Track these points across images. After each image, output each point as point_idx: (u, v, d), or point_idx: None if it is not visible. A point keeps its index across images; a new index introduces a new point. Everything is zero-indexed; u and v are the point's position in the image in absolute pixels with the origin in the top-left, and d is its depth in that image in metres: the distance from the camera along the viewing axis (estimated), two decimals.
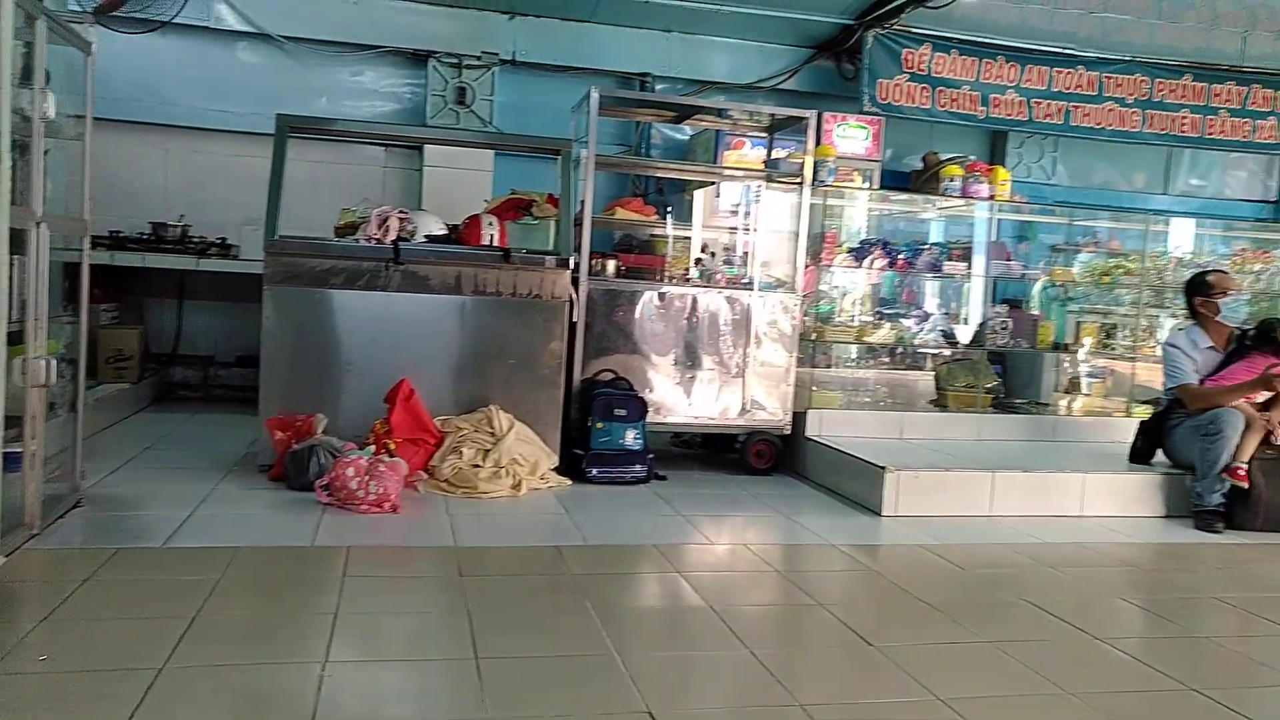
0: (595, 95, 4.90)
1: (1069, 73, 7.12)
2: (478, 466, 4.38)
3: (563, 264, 4.77)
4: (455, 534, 3.72)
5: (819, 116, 6.04)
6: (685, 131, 7.29)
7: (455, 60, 6.84)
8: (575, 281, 4.86)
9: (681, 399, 5.19)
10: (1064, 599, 3.44)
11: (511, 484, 4.37)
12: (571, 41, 7.02)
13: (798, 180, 5.30)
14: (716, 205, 6.36)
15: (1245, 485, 4.49)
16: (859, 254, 5.84)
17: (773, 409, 5.28)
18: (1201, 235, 7.03)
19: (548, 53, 7.00)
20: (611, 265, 5.16)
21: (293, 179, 4.90)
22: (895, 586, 3.49)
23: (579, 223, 4.94)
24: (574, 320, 4.88)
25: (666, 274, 5.44)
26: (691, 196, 6.41)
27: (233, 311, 6.70)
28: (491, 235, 4.84)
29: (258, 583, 3.08)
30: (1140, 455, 4.99)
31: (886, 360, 6.43)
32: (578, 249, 4.89)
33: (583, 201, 4.96)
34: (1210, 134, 7.35)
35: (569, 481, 4.65)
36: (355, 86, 6.93)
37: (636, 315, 5.09)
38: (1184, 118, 7.28)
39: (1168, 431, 4.87)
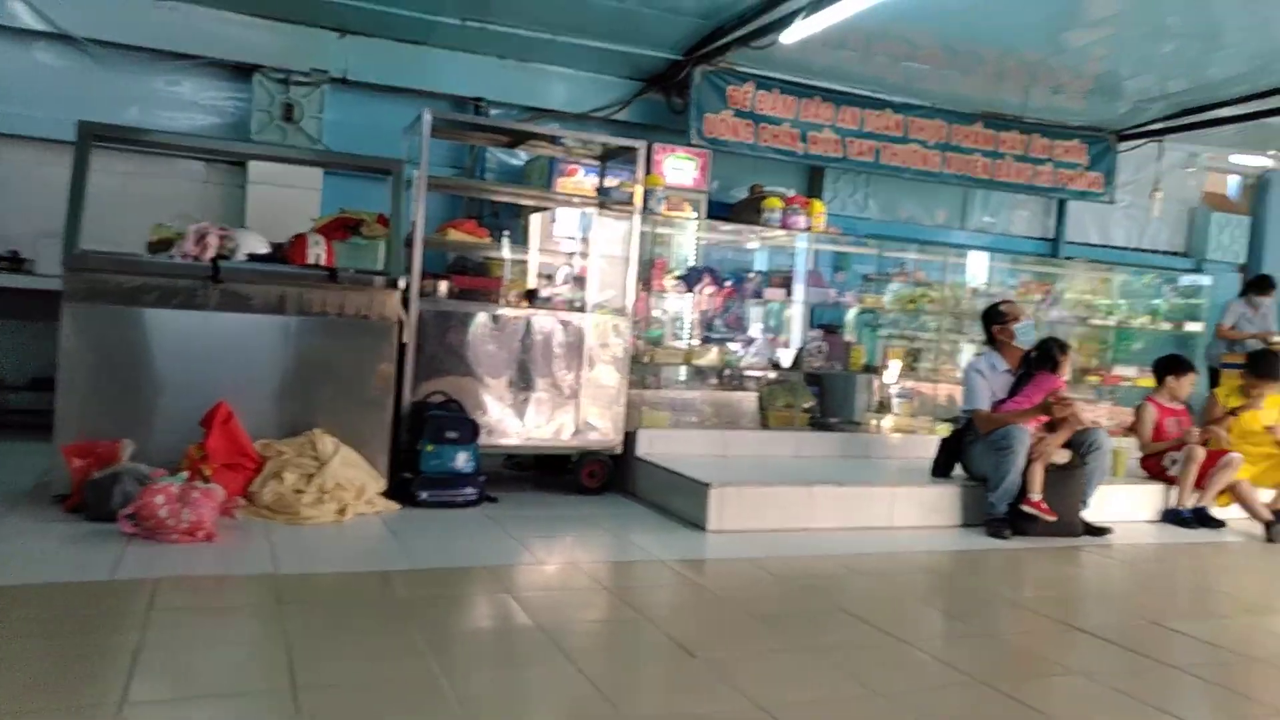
0: (428, 117, 4.84)
1: (878, 115, 7.59)
2: (300, 492, 4.19)
3: (392, 284, 4.66)
4: (275, 561, 3.54)
5: (649, 147, 6.19)
6: (520, 157, 7.30)
7: (282, 75, 6.59)
8: (406, 302, 4.75)
9: (515, 421, 5.15)
10: (874, 605, 3.63)
11: (336, 509, 4.21)
12: (405, 63, 6.91)
13: (629, 208, 5.39)
14: (552, 230, 6.39)
15: (1052, 518, 4.84)
16: (687, 280, 6.00)
17: (605, 430, 5.33)
18: (993, 268, 7.63)
19: (380, 73, 6.85)
20: (444, 286, 5.08)
21: (101, 191, 4.57)
22: (719, 599, 3.58)
23: (410, 243, 4.84)
24: (404, 341, 4.76)
25: (501, 296, 5.41)
26: (527, 221, 6.42)
27: (26, 331, 6.14)
28: (318, 254, 4.67)
29: (46, 623, 2.82)
30: (941, 469, 5.34)
31: (714, 381, 6.62)
32: (408, 270, 4.79)
33: (414, 222, 4.87)
34: (999, 176, 8.01)
35: (398, 506, 4.52)
36: (172, 97, 6.54)
37: (469, 337, 5.03)
38: (977, 160, 7.90)
39: (965, 447, 5.23)
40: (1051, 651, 3.30)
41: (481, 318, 5.06)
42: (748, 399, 6.48)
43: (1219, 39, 6.28)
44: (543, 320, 5.20)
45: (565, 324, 5.25)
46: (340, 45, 6.72)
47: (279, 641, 2.74)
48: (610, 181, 5.77)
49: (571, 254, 5.87)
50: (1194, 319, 7.46)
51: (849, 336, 6.76)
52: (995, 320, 5.39)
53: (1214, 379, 7.89)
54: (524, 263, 5.96)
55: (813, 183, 8.33)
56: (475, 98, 7.11)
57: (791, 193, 7.09)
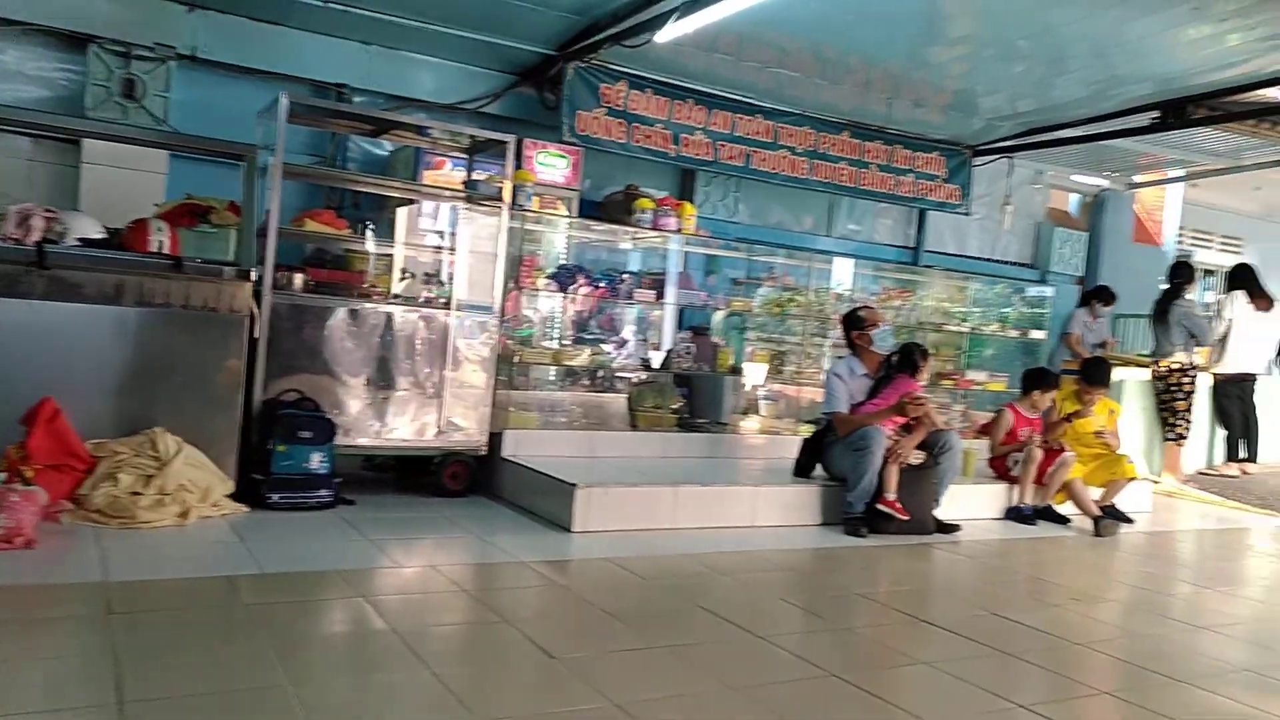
0: (284, 100, 4.67)
1: (749, 120, 7.79)
2: (138, 494, 3.98)
3: (243, 276, 4.48)
4: (106, 569, 3.35)
5: (519, 142, 6.17)
6: (385, 147, 7.14)
7: (123, 49, 6.24)
8: (258, 295, 4.58)
9: (374, 420, 5.05)
10: (734, 603, 3.73)
11: (178, 512, 4.02)
12: (261, 43, 6.65)
13: (497, 203, 5.36)
14: (417, 224, 6.28)
15: (905, 518, 5.09)
16: (558, 279, 6.00)
17: (469, 430, 5.28)
18: (857, 274, 7.96)
19: (234, 52, 6.57)
20: (300, 279, 4.92)
21: None
22: (581, 600, 3.61)
23: (263, 233, 4.67)
24: (256, 336, 4.59)
25: (362, 291, 5.28)
26: (392, 213, 6.28)
27: None
28: (161, 242, 4.45)
29: None
30: (802, 469, 5.52)
31: (585, 383, 6.65)
32: (261, 261, 4.62)
33: (268, 211, 4.70)
34: (863, 185, 8.35)
35: (246, 508, 4.35)
36: None
37: (327, 333, 4.89)
38: (843, 169, 8.21)
39: (825, 448, 5.43)
40: (901, 644, 3.47)
41: (340, 313, 4.93)
42: (617, 400, 6.54)
43: (1063, 64, 6.73)
44: (405, 316, 5.11)
45: (429, 321, 5.17)
46: (189, 20, 6.42)
47: (106, 654, 2.60)
48: (478, 175, 5.72)
49: (438, 249, 5.79)
50: (1039, 327, 7.97)
51: (717, 339, 6.91)
52: (855, 326, 5.61)
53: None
54: (387, 257, 5.84)
55: (685, 185, 8.47)
56: (337, 84, 6.92)
57: (663, 194, 7.20)
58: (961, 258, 10.10)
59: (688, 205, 6.51)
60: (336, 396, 4.92)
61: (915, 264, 9.36)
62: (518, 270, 5.64)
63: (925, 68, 7.05)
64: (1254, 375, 7.81)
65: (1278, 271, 14.96)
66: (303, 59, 6.80)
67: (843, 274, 7.87)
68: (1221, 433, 7.99)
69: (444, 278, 5.54)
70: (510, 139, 5.39)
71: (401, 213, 6.27)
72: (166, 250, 4.46)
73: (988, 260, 10.32)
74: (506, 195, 5.36)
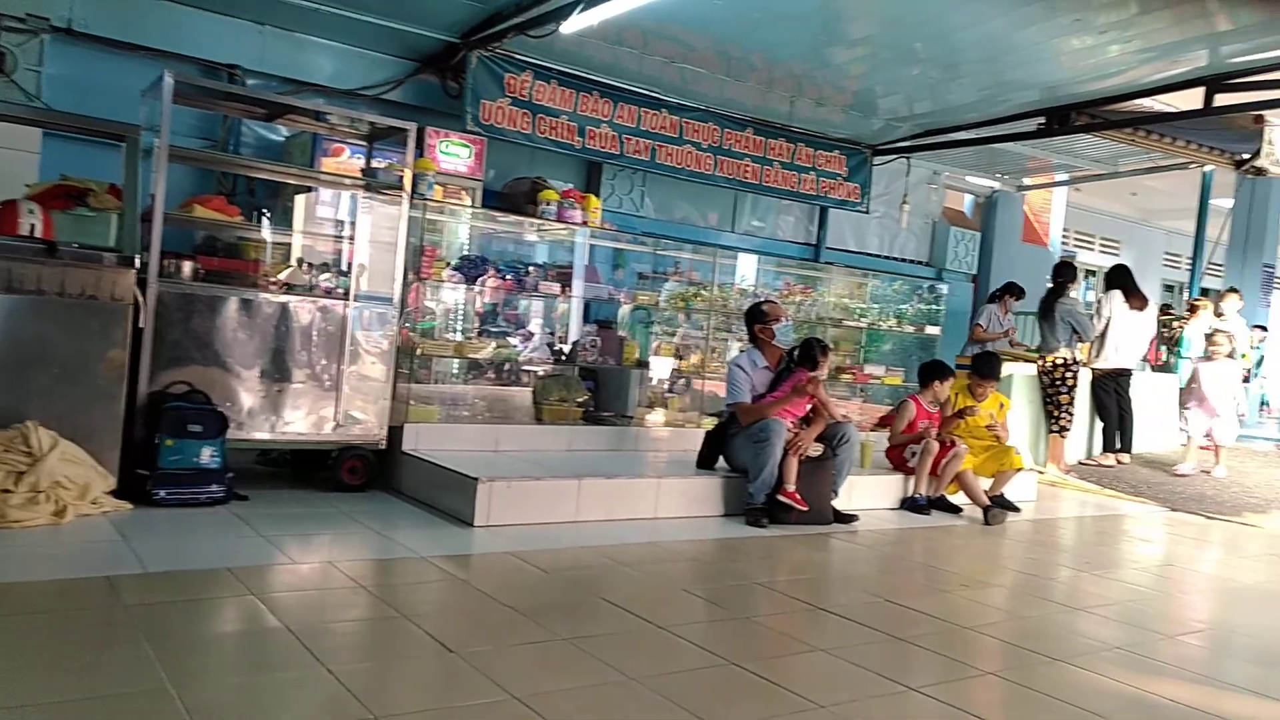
0: (169, 79, 4.48)
1: (655, 114, 7.83)
2: (8, 492, 3.77)
3: (126, 263, 4.29)
4: None
5: (421, 130, 6.06)
6: (281, 132, 6.93)
7: None
8: (142, 283, 4.39)
9: (269, 414, 4.90)
10: (636, 594, 3.75)
11: (53, 510, 3.82)
12: (146, 18, 6.37)
13: (398, 192, 5.26)
14: (315, 212, 6.11)
15: (804, 508, 5.20)
16: (461, 271, 5.92)
17: (369, 424, 5.17)
18: (760, 270, 8.09)
19: (116, 27, 6.28)
20: (188, 267, 4.74)
21: None
22: (482, 594, 3.58)
23: (147, 218, 4.47)
24: (140, 326, 4.40)
25: (256, 280, 5.11)
26: (288, 201, 6.10)
27: None
28: (33, 225, 4.22)
29: None
30: (706, 461, 5.59)
31: (488, 375, 6.59)
32: (146, 247, 4.43)
33: (153, 195, 4.50)
34: (767, 182, 8.49)
35: (130, 506, 4.17)
36: None
37: (218, 323, 4.72)
38: (747, 166, 8.33)
39: (728, 440, 5.51)
40: (799, 631, 3.55)
41: (232, 303, 4.77)
42: (522, 393, 6.50)
43: (957, 69, 6.98)
44: (302, 307, 4.97)
45: (327, 312, 5.04)
46: None
47: None
48: (378, 163, 5.60)
49: (337, 238, 5.65)
50: (934, 323, 8.24)
51: (623, 332, 6.93)
52: (757, 320, 5.70)
53: None
54: (284, 245, 5.67)
55: (591, 177, 8.47)
56: (229, 64, 6.68)
57: (568, 186, 7.18)
58: (861, 255, 10.38)
59: (593, 198, 6.51)
60: (229, 389, 4.76)
61: (816, 260, 9.57)
62: (419, 261, 5.55)
63: (826, 68, 7.21)
64: (1129, 370, 8.24)
65: (1151, 272, 15.90)
66: (191, 37, 6.54)
67: (747, 269, 8.00)
68: (1099, 425, 8.41)
69: (343, 268, 5.41)
70: (411, 127, 5.29)
71: (299, 200, 6.10)
72: (39, 234, 4.23)
73: (886, 258, 10.63)
74: (407, 184, 5.26)
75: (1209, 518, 6.84)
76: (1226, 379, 7.81)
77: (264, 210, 6.44)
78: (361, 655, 2.88)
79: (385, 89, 7.23)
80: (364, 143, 5.85)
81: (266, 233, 5.55)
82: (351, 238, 5.44)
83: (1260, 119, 7.49)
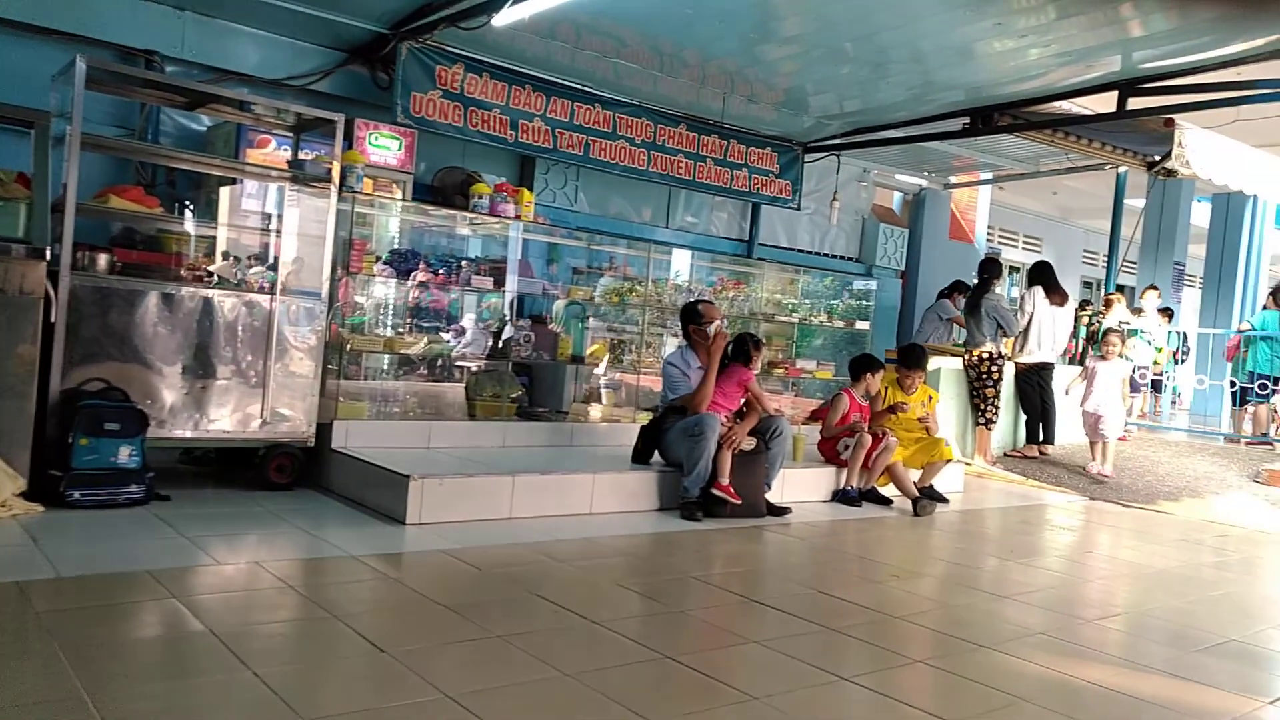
0: (81, 65, 4.31)
1: (588, 109, 7.80)
2: None
3: (36, 254, 4.11)
4: None
5: (350, 121, 5.94)
6: (203, 121, 6.72)
7: None
8: (54, 276, 4.22)
9: (192, 411, 4.76)
10: (571, 590, 3.73)
11: None
12: (58, 1, 6.11)
13: (326, 185, 5.14)
14: (240, 204, 5.95)
15: (738, 502, 5.23)
16: (392, 265, 5.83)
17: (296, 421, 5.05)
18: (694, 265, 8.13)
19: (26, 10, 6.02)
20: (104, 260, 4.56)
21: None
22: (414, 593, 3.52)
23: (59, 209, 4.30)
24: (52, 321, 4.23)
25: (178, 273, 4.95)
26: (211, 193, 5.92)
27: None
28: None
29: None
30: (640, 456, 5.60)
31: (420, 371, 6.50)
32: (58, 239, 4.26)
33: (65, 184, 4.33)
34: (700, 178, 8.53)
35: (41, 508, 4.01)
36: None
37: (137, 318, 4.57)
38: (680, 162, 8.35)
39: (662, 434, 5.52)
40: (733, 624, 3.57)
41: (152, 297, 4.62)
42: (454, 389, 6.43)
43: (885, 68, 7.09)
44: (226, 301, 4.83)
45: (252, 306, 4.91)
46: None
47: None
48: (306, 155, 5.48)
49: (263, 231, 5.50)
50: (864, 318, 8.37)
51: (557, 327, 6.90)
52: (691, 320, 5.70)
53: None
54: (208, 238, 5.50)
55: (524, 172, 8.40)
56: (146, 50, 6.45)
57: (500, 179, 7.11)
58: (793, 251, 10.49)
59: (526, 192, 6.46)
60: (149, 386, 4.61)
61: (749, 256, 9.64)
62: (348, 255, 5.44)
63: (758, 65, 7.26)
64: (1051, 364, 8.48)
65: (1071, 269, 16.41)
66: (106, 22, 6.30)
67: (681, 265, 8.03)
68: (1023, 417, 8.64)
69: (269, 261, 5.28)
70: (339, 118, 5.18)
71: (223, 192, 5.92)
72: None
73: (817, 254, 10.76)
74: (335, 176, 5.15)
75: (1125, 506, 7.09)
76: (1117, 379, 7.87)
77: (186, 202, 6.25)
78: (289, 657, 2.81)
79: (312, 79, 7.07)
80: (290, 134, 5.71)
81: (189, 225, 5.38)
82: (278, 231, 5.30)
83: (1170, 122, 7.75)
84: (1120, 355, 8.01)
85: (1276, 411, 9.94)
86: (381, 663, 2.74)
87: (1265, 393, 9.85)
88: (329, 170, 5.14)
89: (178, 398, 4.70)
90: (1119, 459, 8.14)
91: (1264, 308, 10.37)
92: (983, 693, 2.97)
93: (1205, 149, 7.98)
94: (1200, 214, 13.87)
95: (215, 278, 4.99)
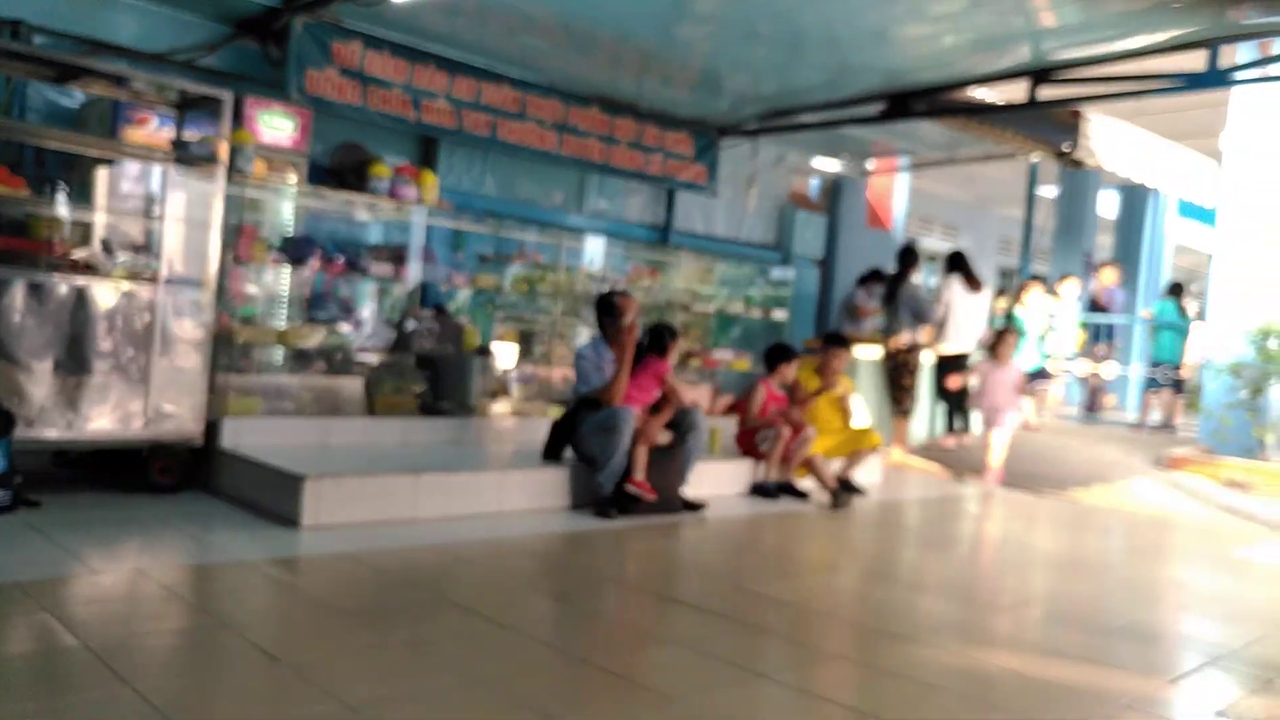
0: None
1: (495, 88, 7.71)
2: None
3: None
4: None
5: (238, 99, 5.76)
6: (76, 97, 6.42)
7: None
8: None
9: (65, 410, 4.55)
10: (479, 592, 3.71)
11: None
12: None
13: (213, 166, 4.98)
14: (118, 186, 5.70)
15: (653, 498, 5.26)
16: (285, 252, 5.67)
17: (182, 419, 4.89)
18: (608, 253, 8.13)
19: None
20: None
21: None
22: (311, 598, 3.45)
23: None
24: None
25: (49, 261, 4.72)
26: (86, 174, 5.66)
27: None
28: None
29: None
30: (552, 452, 5.58)
31: (315, 365, 6.35)
32: None
33: None
34: (613, 162, 8.52)
35: None
36: None
37: (2, 309, 4.35)
38: (593, 144, 8.32)
39: (575, 429, 5.51)
40: (648, 623, 3.60)
41: (18, 286, 4.40)
42: (353, 384, 6.30)
43: (801, 50, 7.18)
44: (102, 292, 4.64)
45: (131, 297, 4.73)
46: None
47: None
48: (190, 135, 5.28)
49: (145, 216, 5.29)
50: (782, 307, 8.51)
51: (463, 318, 6.82)
52: (606, 312, 5.69)
53: None
54: (83, 223, 5.26)
55: (427, 153, 8.26)
56: (13, 20, 6.12)
57: (402, 161, 6.98)
58: (709, 238, 10.57)
59: (428, 174, 6.36)
60: (15, 383, 4.40)
61: (665, 243, 9.68)
62: (238, 241, 5.28)
63: (672, 45, 7.28)
64: (968, 354, 8.74)
65: (987, 257, 16.94)
66: None
67: (594, 252, 8.01)
68: (941, 407, 8.90)
69: (151, 249, 5.08)
70: (227, 95, 5.01)
71: (100, 174, 5.66)
72: None
73: (734, 241, 10.86)
74: (223, 157, 4.99)
75: (1038, 494, 7.37)
76: (1010, 384, 7.58)
77: (57, 184, 5.96)
78: (174, 671, 2.73)
79: (197, 54, 6.81)
80: (174, 111, 5.50)
81: (61, 209, 5.14)
82: (161, 216, 5.11)
83: (1077, 113, 8.07)
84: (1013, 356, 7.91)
85: (1178, 398, 10.47)
86: (275, 673, 2.68)
87: (1168, 380, 10.36)
88: (216, 151, 4.97)
89: (48, 396, 4.50)
90: (1034, 447, 8.45)
91: (1161, 299, 10.89)
92: (900, 684, 3.05)
93: (1110, 139, 8.33)
94: (1108, 204, 14.47)
95: (88, 265, 4.78)
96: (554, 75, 7.96)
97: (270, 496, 4.55)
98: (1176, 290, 10.92)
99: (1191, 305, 11.32)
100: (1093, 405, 11.52)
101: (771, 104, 8.65)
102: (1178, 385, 10.43)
